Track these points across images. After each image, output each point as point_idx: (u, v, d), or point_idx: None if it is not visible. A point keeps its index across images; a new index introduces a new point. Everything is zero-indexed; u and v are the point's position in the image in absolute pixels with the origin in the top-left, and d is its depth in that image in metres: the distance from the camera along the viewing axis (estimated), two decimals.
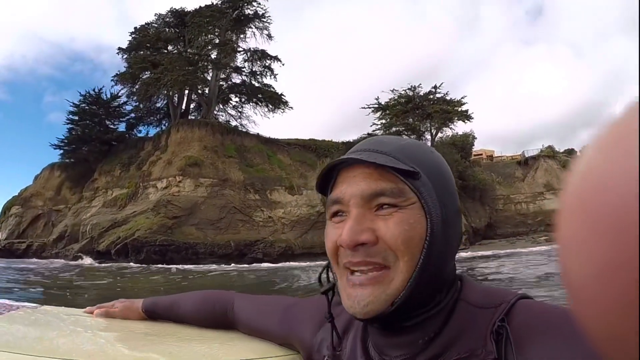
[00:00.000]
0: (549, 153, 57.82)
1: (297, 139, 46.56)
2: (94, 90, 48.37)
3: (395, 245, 0.77)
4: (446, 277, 0.83)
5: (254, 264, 32.71)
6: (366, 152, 0.83)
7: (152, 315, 1.62)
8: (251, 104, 50.54)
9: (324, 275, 0.95)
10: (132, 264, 32.47)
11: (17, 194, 48.75)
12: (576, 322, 0.65)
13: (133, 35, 48.72)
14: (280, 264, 32.38)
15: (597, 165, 0.24)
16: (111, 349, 1.28)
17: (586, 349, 0.60)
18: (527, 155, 59.14)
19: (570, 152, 61.71)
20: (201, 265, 31.26)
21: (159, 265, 30.97)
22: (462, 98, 46.70)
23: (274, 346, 1.29)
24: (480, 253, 34.87)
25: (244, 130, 47.77)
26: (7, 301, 1.66)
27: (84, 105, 47.61)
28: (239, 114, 52.26)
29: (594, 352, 0.57)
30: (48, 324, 1.45)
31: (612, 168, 0.23)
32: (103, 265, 32.90)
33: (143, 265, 31.59)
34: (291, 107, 50.62)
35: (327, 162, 0.88)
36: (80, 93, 48.73)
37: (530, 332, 0.71)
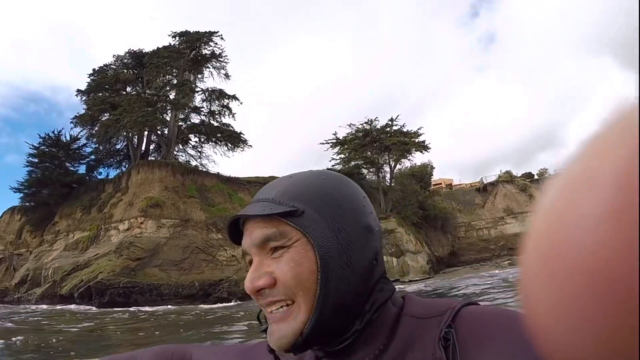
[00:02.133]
0: (507, 178, 59.11)
1: (257, 177, 46.66)
2: (53, 132, 47.86)
3: (288, 283, 0.82)
4: (361, 298, 0.86)
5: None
6: (253, 204, 0.90)
7: None
8: (210, 143, 50.61)
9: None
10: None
11: None
12: (522, 325, 0.80)
13: (91, 77, 48.63)
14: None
15: (567, 209, 0.23)
16: None
17: (533, 354, 0.64)
18: (485, 182, 60.28)
19: (528, 176, 63.32)
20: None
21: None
22: (418, 129, 47.43)
23: None
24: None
25: (204, 169, 47.71)
26: None
27: (43, 147, 47.03)
28: (199, 154, 52.33)
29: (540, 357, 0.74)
30: None
31: (583, 213, 0.21)
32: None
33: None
34: (250, 146, 50.79)
35: None
36: (39, 135, 48.38)
37: (477, 337, 0.73)
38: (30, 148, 47.08)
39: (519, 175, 63.18)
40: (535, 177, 63.74)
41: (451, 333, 0.75)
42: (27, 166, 47.02)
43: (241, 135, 49.95)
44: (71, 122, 48.55)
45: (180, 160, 49.13)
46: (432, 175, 56.70)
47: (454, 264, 50.60)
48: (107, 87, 47.84)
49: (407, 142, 46.81)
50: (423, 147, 47.70)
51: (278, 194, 0.88)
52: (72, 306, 33.41)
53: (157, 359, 1.37)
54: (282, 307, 0.83)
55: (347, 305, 0.83)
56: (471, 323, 0.76)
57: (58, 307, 34.24)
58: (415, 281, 40.24)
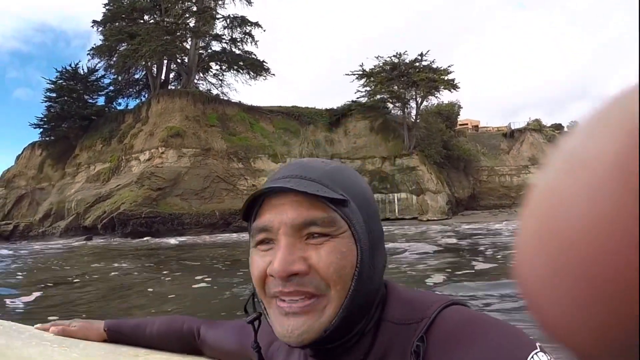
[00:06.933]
0: (536, 126, 57.74)
1: (279, 107, 46.22)
2: (70, 65, 48.04)
3: (327, 275, 0.76)
4: (373, 299, 0.83)
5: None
6: (295, 179, 0.79)
7: (114, 335, 1.59)
8: (232, 71, 49.93)
9: (250, 304, 0.94)
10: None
11: None
12: (500, 332, 0.70)
13: (107, 7, 47.70)
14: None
15: (564, 186, 0.22)
16: None
17: None
18: (513, 127, 58.84)
19: (557, 127, 61.64)
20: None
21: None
22: (448, 66, 46.08)
23: None
24: None
25: (225, 98, 47.36)
26: None
27: (61, 81, 47.11)
28: (220, 82, 51.83)
29: None
30: (8, 335, 1.41)
31: (579, 196, 0.21)
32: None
33: None
34: (273, 74, 50.09)
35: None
36: (56, 69, 48.46)
37: (449, 345, 0.72)
38: (48, 83, 47.16)
39: (549, 125, 61.41)
40: (565, 129, 61.77)
41: (421, 347, 0.73)
42: (45, 101, 47.17)
43: (263, 63, 49.11)
44: (88, 54, 48.60)
45: (200, 89, 48.62)
46: (459, 115, 55.53)
47: (473, 207, 50.41)
48: (123, 16, 46.96)
49: (436, 79, 45.50)
50: (452, 85, 46.28)
51: (321, 175, 0.82)
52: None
53: (168, 329, 1.52)
54: (305, 298, 0.77)
55: (366, 304, 0.81)
56: (447, 329, 0.74)
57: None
58: (433, 221, 40.01)
